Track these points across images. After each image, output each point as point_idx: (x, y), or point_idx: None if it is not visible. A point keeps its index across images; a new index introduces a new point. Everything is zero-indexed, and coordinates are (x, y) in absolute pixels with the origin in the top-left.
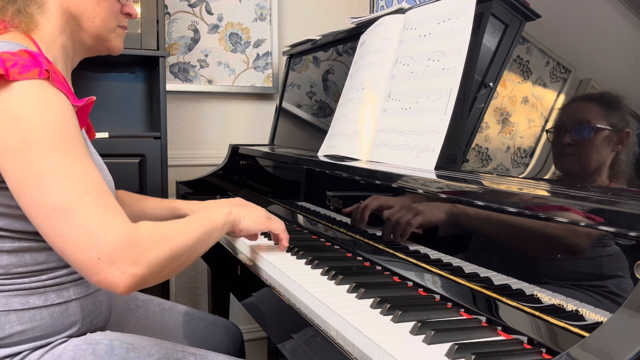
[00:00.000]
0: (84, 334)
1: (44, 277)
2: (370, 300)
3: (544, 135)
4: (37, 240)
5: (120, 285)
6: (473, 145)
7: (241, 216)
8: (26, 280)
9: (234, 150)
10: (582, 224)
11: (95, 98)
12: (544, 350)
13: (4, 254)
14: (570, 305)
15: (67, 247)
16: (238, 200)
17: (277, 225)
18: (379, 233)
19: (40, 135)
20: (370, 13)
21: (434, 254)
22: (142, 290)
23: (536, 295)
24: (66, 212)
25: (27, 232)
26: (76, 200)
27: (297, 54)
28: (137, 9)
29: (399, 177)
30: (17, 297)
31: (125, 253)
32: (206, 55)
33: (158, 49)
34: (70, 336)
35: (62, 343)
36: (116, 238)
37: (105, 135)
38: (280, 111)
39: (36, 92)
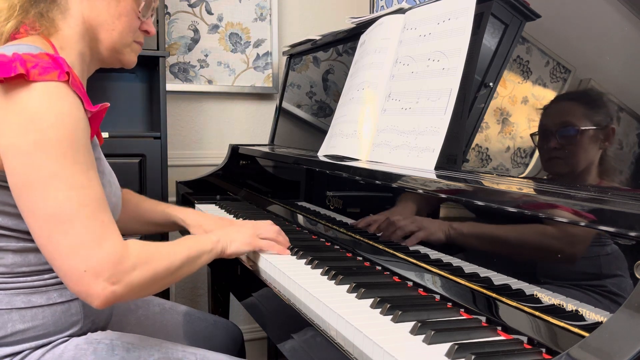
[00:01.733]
0: (85, 333)
1: (46, 276)
2: (370, 300)
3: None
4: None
5: (98, 299)
6: (473, 145)
7: (228, 242)
8: (29, 279)
9: (234, 150)
10: (582, 223)
11: (108, 105)
12: (544, 350)
13: (9, 253)
14: (570, 305)
15: (57, 254)
16: (226, 221)
17: (265, 244)
18: (379, 233)
19: (53, 139)
20: (370, 13)
21: (434, 254)
22: None
23: (536, 295)
24: (65, 220)
25: None
26: (77, 210)
27: (297, 54)
28: None
29: (399, 177)
30: (20, 296)
31: (110, 270)
32: (206, 55)
33: (158, 49)
34: (72, 335)
35: (63, 342)
36: (106, 255)
37: (105, 135)
38: (280, 111)
39: (54, 94)
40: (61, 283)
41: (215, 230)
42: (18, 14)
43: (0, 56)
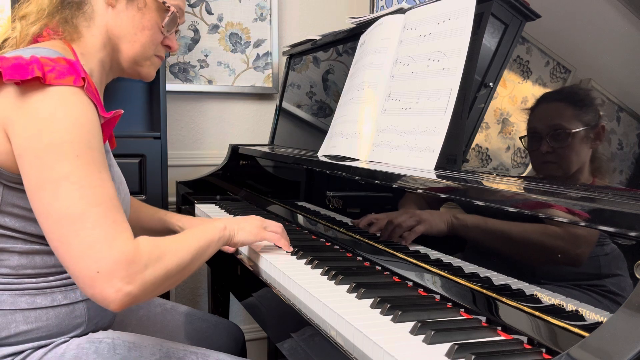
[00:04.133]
0: (87, 334)
1: (51, 278)
2: (370, 300)
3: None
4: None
5: (114, 302)
6: (473, 145)
7: (235, 230)
8: (33, 280)
9: (234, 150)
10: (582, 223)
11: (122, 112)
12: (544, 350)
13: (15, 254)
14: (570, 305)
15: (70, 255)
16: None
17: (271, 236)
18: (379, 233)
19: (67, 141)
20: (370, 13)
21: (434, 254)
22: None
23: (536, 295)
24: (77, 220)
25: (40, 236)
26: (88, 210)
27: (297, 54)
28: None
29: (399, 177)
30: (24, 297)
31: (123, 271)
32: (206, 55)
33: None
34: (74, 337)
35: (64, 342)
36: (118, 255)
37: None
38: (280, 111)
39: (69, 98)
40: (66, 285)
41: (222, 218)
42: (44, 18)
43: (18, 58)
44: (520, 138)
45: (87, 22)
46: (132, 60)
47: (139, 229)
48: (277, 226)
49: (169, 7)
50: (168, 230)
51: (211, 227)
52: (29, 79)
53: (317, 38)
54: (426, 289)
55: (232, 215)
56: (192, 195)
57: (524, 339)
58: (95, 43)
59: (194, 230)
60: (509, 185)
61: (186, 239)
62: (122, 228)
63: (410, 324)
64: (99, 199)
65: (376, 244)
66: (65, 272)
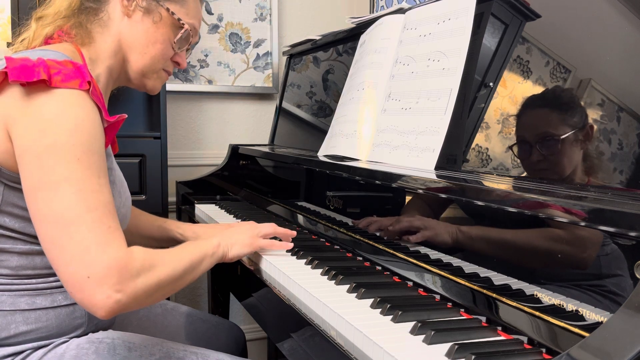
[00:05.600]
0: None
1: (51, 279)
2: (371, 300)
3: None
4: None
5: (102, 309)
6: (473, 145)
7: (229, 246)
8: (33, 281)
9: (234, 150)
10: (582, 224)
11: (126, 116)
12: (544, 350)
13: (14, 255)
14: (570, 305)
15: (61, 258)
16: (224, 226)
17: (266, 243)
18: (379, 233)
19: (69, 143)
20: (370, 13)
21: (434, 254)
22: None
23: (536, 295)
24: (71, 224)
25: None
26: (84, 214)
27: (297, 54)
28: None
29: (399, 177)
30: (24, 297)
31: (115, 277)
32: (206, 55)
33: None
34: (74, 337)
35: (64, 342)
36: (110, 260)
37: None
38: (280, 111)
39: (73, 101)
40: None
41: (216, 235)
42: (60, 20)
43: (24, 60)
44: (516, 141)
45: (101, 29)
46: (139, 72)
47: (138, 236)
48: (269, 227)
49: (183, 24)
50: (168, 237)
51: (205, 242)
52: (35, 81)
53: (317, 38)
54: (426, 289)
55: (233, 216)
56: (192, 195)
57: (524, 339)
58: (106, 50)
59: (188, 245)
60: (509, 186)
61: (180, 251)
62: (116, 235)
63: (410, 324)
64: (95, 203)
65: (376, 244)
66: None
